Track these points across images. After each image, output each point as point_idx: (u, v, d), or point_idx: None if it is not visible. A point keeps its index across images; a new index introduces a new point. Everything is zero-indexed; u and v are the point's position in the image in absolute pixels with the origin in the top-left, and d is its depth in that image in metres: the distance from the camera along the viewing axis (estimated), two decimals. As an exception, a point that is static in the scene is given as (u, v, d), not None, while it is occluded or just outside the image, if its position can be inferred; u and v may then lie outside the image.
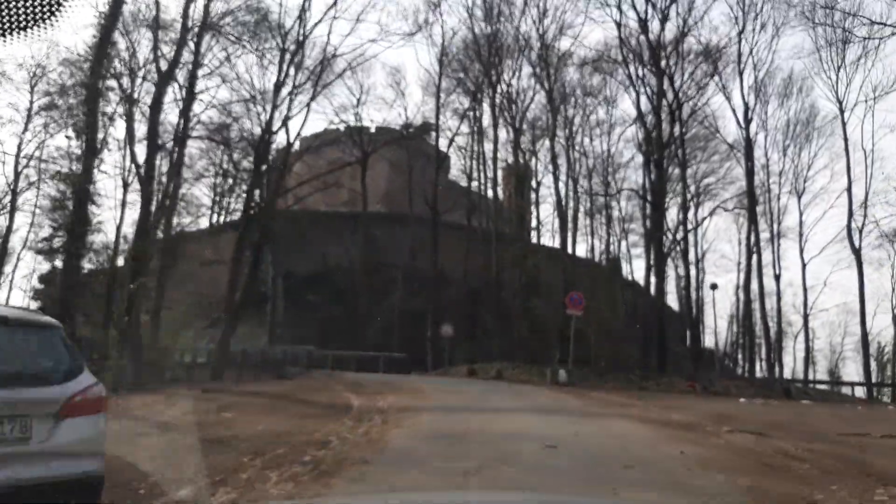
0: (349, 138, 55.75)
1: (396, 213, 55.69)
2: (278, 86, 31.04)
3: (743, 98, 36.05)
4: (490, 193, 50.00)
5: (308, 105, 32.49)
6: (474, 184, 53.54)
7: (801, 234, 44.55)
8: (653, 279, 49.16)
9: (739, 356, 54.68)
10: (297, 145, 64.62)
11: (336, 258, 50.55)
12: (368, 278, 49.77)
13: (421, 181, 59.70)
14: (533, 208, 57.14)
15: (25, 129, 39.24)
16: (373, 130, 56.19)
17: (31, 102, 39.34)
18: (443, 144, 50.77)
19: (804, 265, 43.88)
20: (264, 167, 37.45)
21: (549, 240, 63.38)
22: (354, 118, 53.68)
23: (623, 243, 50.10)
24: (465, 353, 46.74)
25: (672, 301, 50.33)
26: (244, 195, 36.19)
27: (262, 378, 28.48)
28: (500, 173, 47.70)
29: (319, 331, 47.71)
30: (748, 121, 36.82)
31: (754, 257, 38.09)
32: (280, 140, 42.68)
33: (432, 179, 59.99)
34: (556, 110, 38.52)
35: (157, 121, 29.33)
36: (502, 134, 44.28)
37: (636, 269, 57.68)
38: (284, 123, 32.74)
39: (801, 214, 44.59)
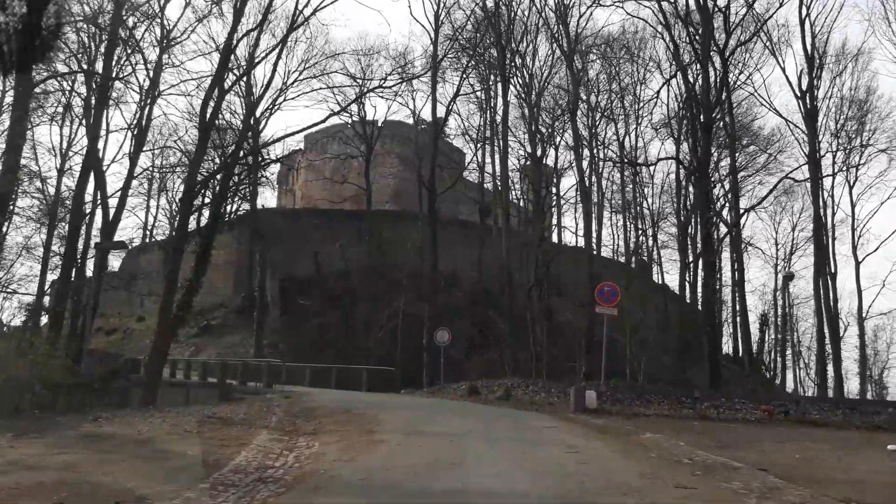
0: (354, 132, 48.54)
1: (404, 211, 48.17)
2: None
3: (807, 54, 27.88)
4: (513, 192, 42.67)
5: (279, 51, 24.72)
6: (488, 186, 46.25)
7: (853, 228, 36.36)
8: (689, 276, 41.49)
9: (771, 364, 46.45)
10: (301, 142, 58.16)
11: (338, 260, 43.07)
12: (372, 281, 42.34)
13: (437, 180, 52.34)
14: (553, 210, 49.78)
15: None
16: (380, 124, 48.88)
17: None
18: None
19: (858, 263, 35.74)
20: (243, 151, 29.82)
21: (571, 242, 55.70)
22: (358, 108, 46.48)
23: (652, 247, 42.24)
24: (478, 363, 39.06)
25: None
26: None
27: (198, 400, 21.10)
28: (512, 163, 39.98)
29: (315, 339, 40.33)
30: (809, 85, 28.75)
31: (794, 252, 29.74)
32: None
33: (440, 173, 52.76)
34: (578, 82, 30.75)
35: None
36: (514, 115, 36.69)
37: (667, 272, 49.84)
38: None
39: (853, 205, 36.41)
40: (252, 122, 28.28)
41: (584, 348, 29.66)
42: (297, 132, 45.20)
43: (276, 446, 10.92)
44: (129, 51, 28.03)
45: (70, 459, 8.53)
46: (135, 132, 30.00)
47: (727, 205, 28.00)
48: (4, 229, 31.61)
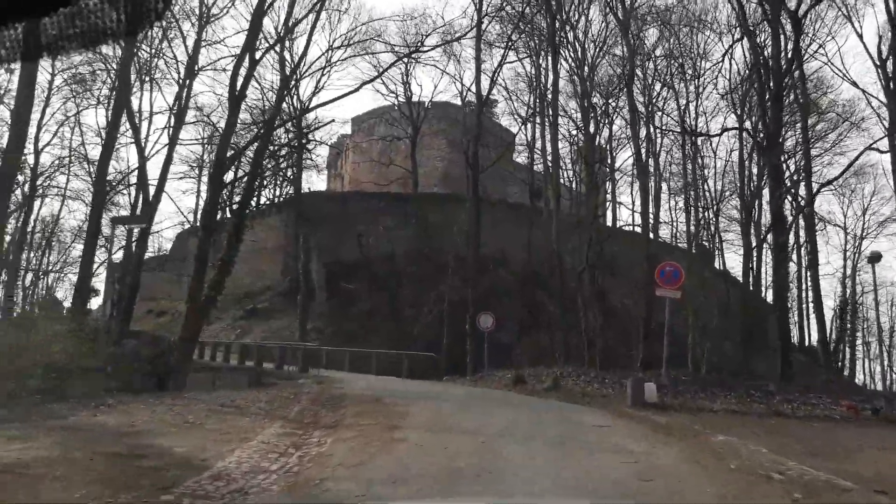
0: (400, 114, 46.87)
1: (452, 193, 46.32)
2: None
3: (890, 15, 24.79)
4: (564, 172, 40.14)
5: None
6: (538, 167, 43.87)
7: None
8: (752, 261, 38.49)
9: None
10: (348, 126, 56.85)
11: (384, 243, 41.54)
12: (419, 265, 40.74)
13: (483, 160, 50.31)
14: (608, 187, 47.19)
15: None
16: (428, 105, 47.06)
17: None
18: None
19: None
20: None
21: (626, 225, 53.04)
22: (404, 88, 44.80)
23: (713, 232, 39.22)
24: (528, 348, 37.07)
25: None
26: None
27: (228, 385, 19.77)
28: (563, 141, 37.60)
29: (361, 324, 38.98)
30: (892, 50, 25.63)
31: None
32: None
33: (490, 157, 50.61)
34: (634, 51, 28.22)
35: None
36: (566, 91, 34.34)
37: (728, 258, 46.65)
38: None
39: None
40: (288, 92, 26.66)
41: (643, 335, 27.39)
42: (332, 101, 43.09)
43: (283, 442, 9.35)
44: (167, 29, 27.03)
45: (11, 456, 7.04)
46: (174, 110, 28.98)
47: (799, 181, 25.13)
48: (58, 211, 31.40)
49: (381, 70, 29.84)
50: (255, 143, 23.00)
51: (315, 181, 58.41)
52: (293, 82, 27.11)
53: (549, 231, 32.48)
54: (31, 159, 36.39)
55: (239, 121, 23.97)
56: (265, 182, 52.73)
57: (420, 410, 12.32)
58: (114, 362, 19.41)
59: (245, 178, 23.50)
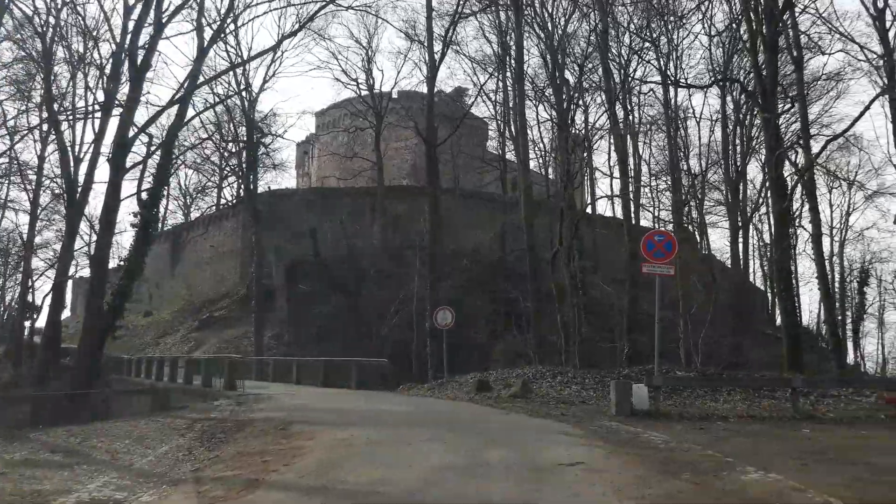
0: (364, 104, 42.92)
1: (419, 186, 42.47)
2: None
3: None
4: (537, 155, 36.37)
5: None
6: (510, 157, 40.04)
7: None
8: (740, 241, 34.98)
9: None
10: (314, 118, 52.83)
11: (344, 241, 37.60)
12: (385, 263, 36.87)
13: (455, 152, 46.48)
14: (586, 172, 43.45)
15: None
16: (392, 93, 43.16)
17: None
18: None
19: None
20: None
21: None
22: (366, 75, 40.88)
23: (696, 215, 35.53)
24: (503, 348, 33.30)
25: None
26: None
27: (134, 410, 15.87)
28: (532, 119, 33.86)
29: (324, 328, 35.01)
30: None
31: None
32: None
33: (468, 150, 46.80)
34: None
35: None
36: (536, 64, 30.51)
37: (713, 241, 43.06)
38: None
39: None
40: (217, 41, 22.46)
41: (626, 326, 23.73)
42: (266, 51, 36.55)
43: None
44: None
45: None
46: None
47: (797, 142, 21.45)
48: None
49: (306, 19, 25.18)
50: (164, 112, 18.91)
51: (284, 181, 54.07)
52: (222, 35, 22.80)
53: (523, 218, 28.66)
54: None
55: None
56: (221, 183, 48.74)
57: (321, 446, 8.55)
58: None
59: (158, 167, 19.36)
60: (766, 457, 7.35)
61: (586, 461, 7.06)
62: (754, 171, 36.37)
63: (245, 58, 27.42)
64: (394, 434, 9.51)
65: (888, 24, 22.46)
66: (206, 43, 18.55)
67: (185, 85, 18.55)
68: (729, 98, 33.25)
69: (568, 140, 22.65)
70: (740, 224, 33.98)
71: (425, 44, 27.75)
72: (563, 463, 6.96)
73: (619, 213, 36.02)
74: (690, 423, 11.06)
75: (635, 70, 26.07)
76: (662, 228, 15.57)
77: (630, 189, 26.08)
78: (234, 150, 36.67)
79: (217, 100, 28.30)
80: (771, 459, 7.16)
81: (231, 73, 32.75)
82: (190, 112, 20.64)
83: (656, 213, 40.28)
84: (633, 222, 32.10)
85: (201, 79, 20.04)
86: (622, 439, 8.80)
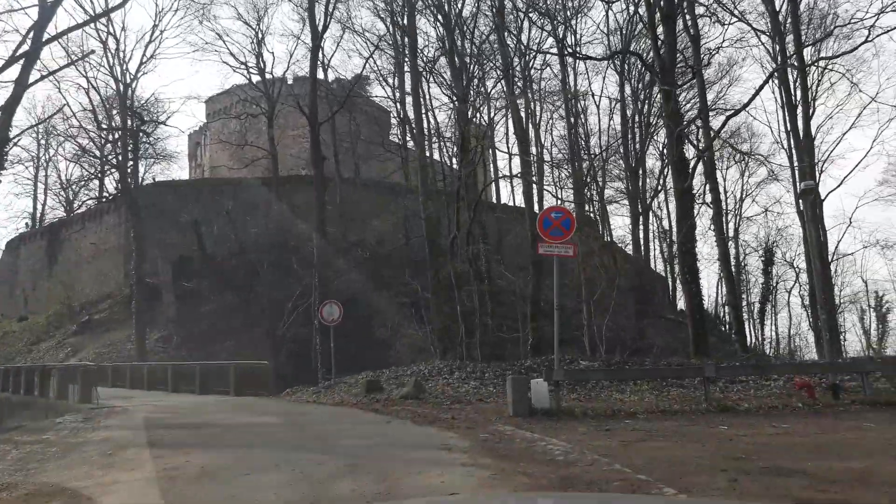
0: (256, 90, 39.99)
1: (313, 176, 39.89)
2: None
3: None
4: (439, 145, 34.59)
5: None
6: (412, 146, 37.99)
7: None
8: (640, 227, 34.61)
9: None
10: (203, 106, 49.17)
11: (233, 235, 34.68)
12: (281, 257, 34.23)
13: (356, 139, 44.16)
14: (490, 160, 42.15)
15: None
16: (285, 77, 40.43)
17: None
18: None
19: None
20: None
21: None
22: (256, 59, 38.02)
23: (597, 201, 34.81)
24: (408, 344, 31.52)
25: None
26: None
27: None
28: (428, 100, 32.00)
29: (214, 329, 32.12)
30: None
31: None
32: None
33: (372, 138, 44.54)
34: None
35: None
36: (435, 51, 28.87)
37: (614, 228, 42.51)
38: None
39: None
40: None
41: (530, 315, 22.42)
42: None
43: None
44: None
45: None
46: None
47: (695, 119, 20.66)
48: None
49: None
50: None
51: (177, 174, 49.94)
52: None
53: (428, 208, 26.81)
54: None
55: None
56: (103, 175, 44.49)
57: (140, 480, 6.63)
58: None
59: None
60: (686, 469, 5.85)
61: (465, 489, 5.33)
62: (653, 160, 36.15)
63: (107, 6, 23.22)
64: (236, 459, 7.49)
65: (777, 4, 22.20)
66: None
67: (31, 36, 15.46)
68: (628, 87, 32.89)
69: (465, 114, 21.01)
70: (640, 210, 33.61)
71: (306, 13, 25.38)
72: (435, 493, 5.22)
73: (522, 201, 35.03)
74: (596, 422, 9.61)
75: (533, 42, 24.80)
76: (560, 205, 14.37)
77: (533, 172, 24.75)
78: (111, 138, 33.01)
79: (72, 61, 24.41)
80: (693, 474, 5.65)
81: (104, 50, 29.39)
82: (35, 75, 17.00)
83: (560, 196, 39.43)
84: (537, 207, 31.06)
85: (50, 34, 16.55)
86: (515, 451, 7.14)
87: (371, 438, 8.60)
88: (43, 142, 47.58)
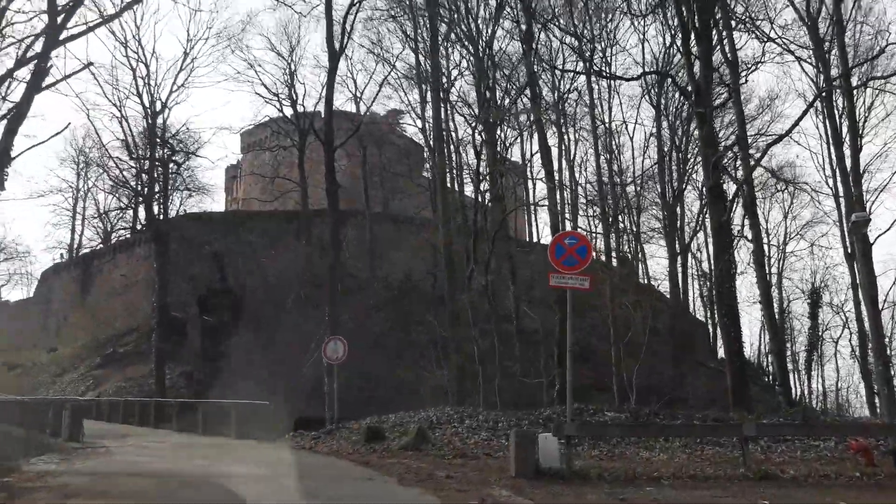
0: (288, 123, 39.87)
1: (350, 210, 39.27)
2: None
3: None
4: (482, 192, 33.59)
5: None
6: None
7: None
8: (678, 268, 32.74)
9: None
10: (238, 138, 49.25)
11: (259, 269, 34.07)
12: (309, 292, 33.34)
13: (385, 174, 43.62)
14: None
15: None
16: (315, 109, 40.17)
17: None
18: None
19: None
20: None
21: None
22: (288, 89, 37.91)
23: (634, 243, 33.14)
24: (432, 385, 30.06)
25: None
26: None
27: None
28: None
29: (238, 365, 31.19)
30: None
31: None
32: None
33: (403, 172, 43.96)
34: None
35: None
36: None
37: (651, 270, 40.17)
38: None
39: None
40: None
41: (556, 359, 20.84)
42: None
43: None
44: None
45: None
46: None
47: (732, 146, 19.00)
48: None
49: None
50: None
51: (212, 207, 49.71)
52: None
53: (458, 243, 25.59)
54: None
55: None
56: (137, 206, 44.55)
57: None
58: None
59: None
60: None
61: None
62: (692, 198, 34.17)
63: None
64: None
65: (821, 32, 20.69)
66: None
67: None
68: (665, 123, 31.55)
69: (493, 144, 19.96)
70: (679, 250, 31.85)
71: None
72: None
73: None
74: (611, 487, 8.15)
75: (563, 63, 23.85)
76: (575, 231, 12.98)
77: (559, 201, 23.48)
78: (143, 167, 32.90)
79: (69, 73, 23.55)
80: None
81: (133, 77, 29.44)
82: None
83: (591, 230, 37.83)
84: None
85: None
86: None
87: (339, 500, 7.31)
88: (82, 172, 48.19)
